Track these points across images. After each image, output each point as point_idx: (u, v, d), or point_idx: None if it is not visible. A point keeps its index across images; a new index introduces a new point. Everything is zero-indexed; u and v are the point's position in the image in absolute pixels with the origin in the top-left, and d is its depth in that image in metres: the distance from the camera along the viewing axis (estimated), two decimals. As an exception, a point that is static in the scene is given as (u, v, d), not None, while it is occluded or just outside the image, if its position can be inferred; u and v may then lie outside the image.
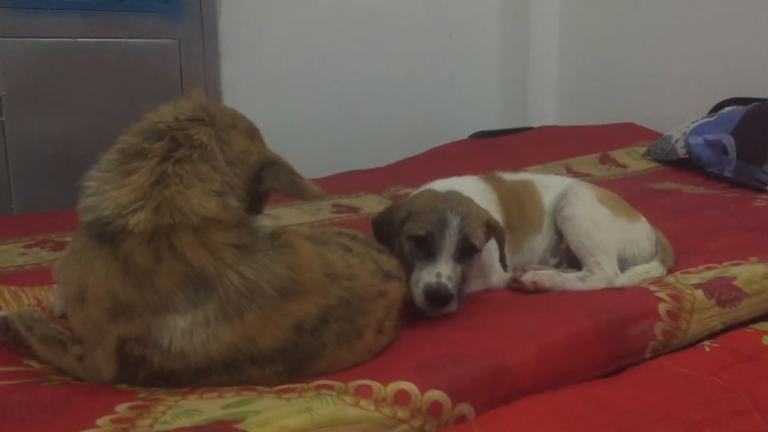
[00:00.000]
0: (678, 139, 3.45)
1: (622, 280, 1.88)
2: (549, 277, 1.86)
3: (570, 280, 1.87)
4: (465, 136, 4.12)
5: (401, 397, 1.24)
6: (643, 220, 2.06)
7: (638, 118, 4.08)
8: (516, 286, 1.88)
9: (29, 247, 2.27)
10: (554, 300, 1.74)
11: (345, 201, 2.91)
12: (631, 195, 2.39)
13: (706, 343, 1.61)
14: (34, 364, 1.41)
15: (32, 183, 3.15)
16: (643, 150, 3.68)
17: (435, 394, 1.26)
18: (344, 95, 4.08)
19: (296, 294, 1.30)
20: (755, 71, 3.60)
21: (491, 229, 1.76)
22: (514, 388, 1.35)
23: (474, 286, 1.86)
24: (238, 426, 1.11)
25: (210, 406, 1.19)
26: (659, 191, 3.01)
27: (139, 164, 1.28)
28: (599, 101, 4.43)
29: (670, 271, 1.93)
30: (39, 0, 3.11)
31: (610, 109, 4.28)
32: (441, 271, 1.63)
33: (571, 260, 1.98)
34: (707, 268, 1.90)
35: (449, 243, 1.65)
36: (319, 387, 1.25)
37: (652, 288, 1.75)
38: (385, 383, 1.26)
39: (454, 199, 1.73)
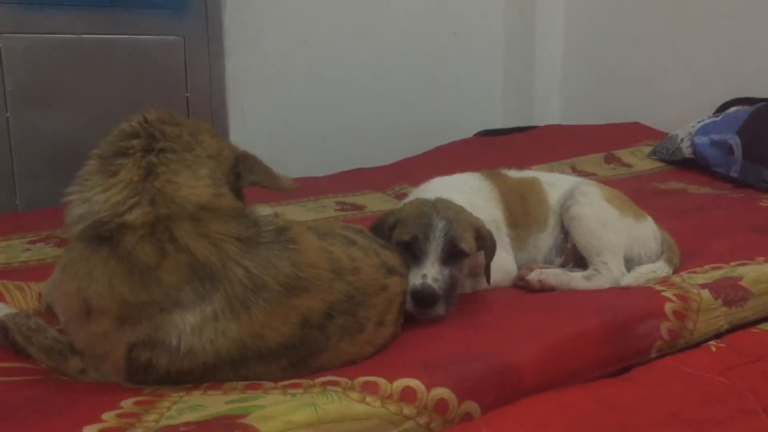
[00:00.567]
0: (683, 139, 3.44)
1: (629, 279, 1.87)
2: (555, 275, 1.86)
3: (576, 279, 1.87)
4: (470, 135, 4.11)
5: (407, 394, 1.23)
6: (650, 219, 2.05)
7: (643, 118, 4.07)
8: (522, 285, 1.88)
9: (33, 243, 2.27)
10: (560, 299, 1.74)
11: (350, 199, 2.91)
12: (637, 195, 2.39)
13: (713, 343, 1.60)
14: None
15: (37, 179, 3.15)
16: (648, 149, 3.67)
17: (441, 392, 1.26)
18: (349, 93, 4.08)
19: (301, 290, 1.30)
20: (761, 71, 3.59)
21: (481, 237, 1.74)
22: (519, 387, 1.35)
23: (477, 285, 1.85)
24: (244, 420, 1.11)
25: (214, 401, 1.19)
26: (664, 191, 3.00)
27: (122, 161, 1.28)
28: (604, 100, 4.42)
29: (676, 271, 1.93)
30: (44, -4, 3.12)
31: (615, 109, 4.26)
32: (426, 273, 1.62)
33: (577, 259, 1.98)
34: (714, 268, 1.90)
35: (435, 245, 1.64)
36: (324, 383, 1.25)
37: (659, 288, 1.75)
38: (391, 380, 1.26)
39: (441, 205, 1.73)
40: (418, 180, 2.21)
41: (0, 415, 1.18)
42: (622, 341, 1.53)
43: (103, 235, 1.23)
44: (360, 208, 2.78)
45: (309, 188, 2.99)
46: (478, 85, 4.57)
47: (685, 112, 3.75)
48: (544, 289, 1.84)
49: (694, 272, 1.89)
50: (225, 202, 1.31)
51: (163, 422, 1.13)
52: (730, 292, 1.73)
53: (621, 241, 1.92)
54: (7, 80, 3.06)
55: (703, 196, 2.91)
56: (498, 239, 1.83)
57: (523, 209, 2.03)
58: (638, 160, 3.60)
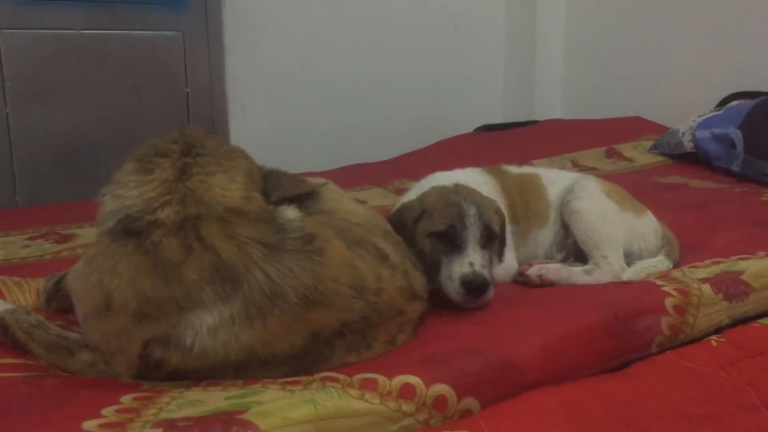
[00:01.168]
0: (685, 133, 3.43)
1: (629, 273, 1.87)
2: (555, 270, 1.85)
3: (576, 273, 1.86)
4: (470, 130, 4.11)
5: (406, 391, 1.23)
6: (650, 214, 2.05)
7: (645, 112, 4.06)
8: (522, 280, 1.88)
9: (33, 239, 2.27)
10: (560, 294, 1.74)
11: (350, 194, 2.90)
12: (638, 189, 2.38)
13: (713, 337, 1.60)
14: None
15: (36, 175, 3.15)
16: (649, 144, 3.67)
17: (440, 388, 1.25)
18: (349, 88, 4.07)
19: (318, 305, 1.28)
20: (763, 65, 3.58)
21: (500, 216, 1.76)
22: (519, 383, 1.35)
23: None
24: (243, 416, 1.11)
25: (214, 397, 1.19)
26: (666, 185, 3.00)
27: (159, 161, 1.31)
28: (605, 95, 4.41)
29: (676, 266, 1.93)
30: (43, -8, 3.11)
31: (616, 103, 4.26)
32: (473, 261, 1.62)
33: (577, 254, 1.98)
34: (714, 263, 1.90)
35: (473, 232, 1.65)
36: (324, 379, 1.25)
37: (659, 282, 1.74)
38: (390, 377, 1.25)
39: (464, 190, 1.73)
40: (418, 175, 2.21)
41: (0, 410, 1.18)
42: (622, 336, 1.52)
43: (133, 230, 1.24)
44: (361, 203, 2.77)
45: (309, 184, 2.98)
46: (479, 80, 4.56)
47: (686, 106, 3.74)
48: (544, 284, 1.83)
49: (695, 267, 1.88)
50: (254, 206, 1.33)
51: (162, 416, 1.13)
52: (731, 287, 1.73)
53: (621, 236, 1.92)
54: (6, 76, 3.06)
55: (705, 190, 2.91)
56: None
57: (523, 205, 2.03)
58: (639, 154, 3.60)
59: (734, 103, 3.46)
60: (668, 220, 2.13)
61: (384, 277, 1.42)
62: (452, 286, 1.62)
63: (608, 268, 1.87)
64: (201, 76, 3.53)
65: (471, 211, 1.66)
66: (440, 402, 1.24)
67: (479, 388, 1.29)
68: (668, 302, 1.63)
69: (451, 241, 1.65)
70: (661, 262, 1.91)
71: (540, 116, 4.40)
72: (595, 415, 1.29)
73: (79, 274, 1.33)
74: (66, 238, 2.26)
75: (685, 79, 3.96)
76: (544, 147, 3.64)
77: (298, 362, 1.28)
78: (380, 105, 4.17)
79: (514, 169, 2.15)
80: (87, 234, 2.24)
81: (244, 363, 1.25)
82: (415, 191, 1.99)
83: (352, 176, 3.20)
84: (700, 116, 3.45)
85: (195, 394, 1.21)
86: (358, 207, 1.77)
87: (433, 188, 1.81)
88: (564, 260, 1.99)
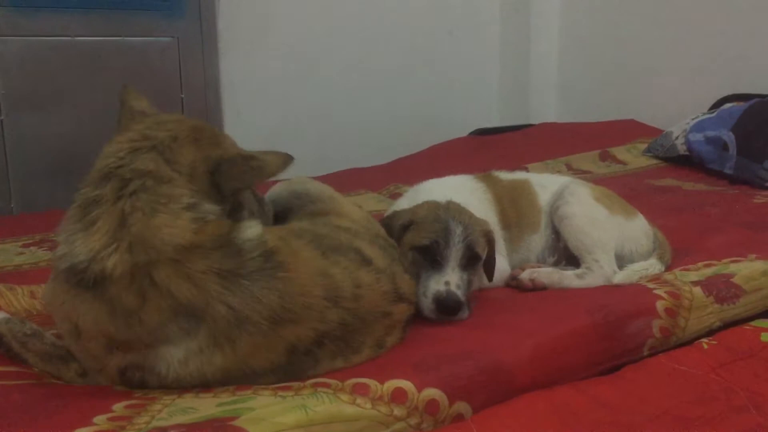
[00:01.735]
0: (678, 136, 3.44)
1: (620, 277, 1.88)
2: (547, 274, 1.86)
3: (568, 277, 1.87)
4: (465, 134, 4.12)
5: (398, 395, 1.24)
6: (640, 217, 2.05)
7: (639, 115, 4.08)
8: (514, 284, 1.88)
9: (27, 246, 2.27)
10: (552, 298, 1.74)
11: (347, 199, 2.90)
12: (631, 192, 2.39)
13: (705, 340, 1.60)
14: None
15: (31, 182, 3.15)
16: (643, 147, 3.68)
17: (432, 393, 1.26)
18: (344, 92, 4.08)
19: (288, 321, 1.26)
20: (756, 67, 3.59)
21: (489, 240, 1.76)
22: (511, 387, 1.35)
23: (480, 282, 1.85)
24: (234, 423, 1.11)
25: (205, 404, 1.19)
26: (659, 188, 3.01)
27: (98, 212, 1.24)
28: (599, 98, 4.43)
29: (668, 268, 1.93)
30: (37, -1, 3.12)
31: (610, 106, 4.27)
32: (449, 279, 1.62)
33: (569, 258, 1.98)
34: (706, 265, 1.90)
35: (455, 252, 1.64)
36: (315, 385, 1.25)
37: (651, 285, 1.75)
38: (381, 381, 1.26)
39: (455, 209, 1.73)
40: (413, 180, 2.21)
41: (-9, 419, 1.19)
42: (613, 339, 1.53)
43: (86, 281, 1.21)
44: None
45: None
46: (474, 84, 4.58)
47: (680, 109, 3.76)
48: (536, 288, 1.84)
49: (687, 269, 1.89)
50: (207, 234, 1.25)
51: (154, 423, 1.13)
52: (722, 289, 1.73)
53: (611, 239, 1.92)
54: (1, 83, 3.06)
55: (698, 192, 2.92)
56: (492, 240, 1.83)
57: (515, 211, 2.03)
58: (633, 157, 3.61)
59: (727, 105, 3.47)
60: (661, 223, 2.14)
61: (364, 282, 1.39)
62: (425, 302, 1.61)
63: (600, 271, 1.88)
64: (196, 82, 3.54)
65: (457, 231, 1.66)
66: (432, 406, 1.25)
67: (471, 393, 1.30)
68: (659, 305, 1.63)
69: (432, 257, 1.65)
70: (652, 265, 1.91)
71: (535, 120, 4.42)
72: (586, 418, 1.29)
73: (49, 297, 1.32)
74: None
75: (679, 81, 3.97)
76: (539, 150, 3.65)
77: (282, 373, 1.28)
78: (375, 109, 4.18)
79: (505, 175, 2.15)
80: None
81: (224, 380, 1.26)
82: (407, 198, 2.00)
83: (347, 181, 3.21)
84: (693, 119, 3.46)
85: (187, 401, 1.21)
86: (353, 209, 1.77)
87: (427, 202, 1.80)
88: (556, 264, 1.99)
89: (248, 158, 1.34)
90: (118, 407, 1.20)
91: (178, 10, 3.45)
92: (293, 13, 3.88)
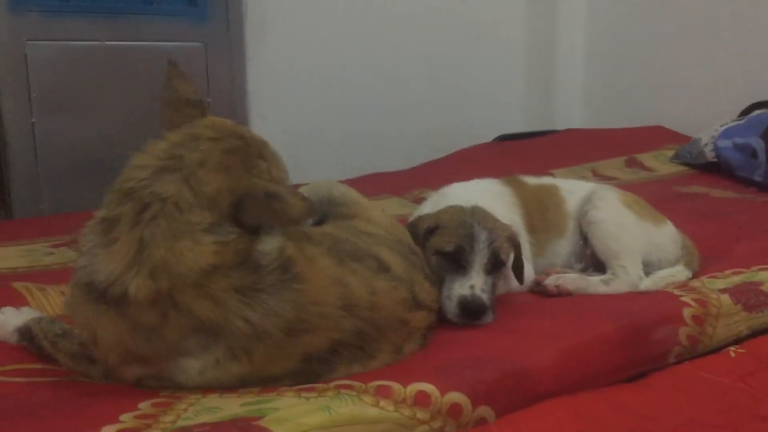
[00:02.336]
0: (707, 143, 3.41)
1: (647, 283, 1.86)
2: (572, 280, 1.85)
3: (594, 283, 1.86)
4: (490, 139, 4.10)
5: (421, 399, 1.24)
6: (669, 223, 2.04)
7: (666, 121, 4.04)
8: (539, 290, 1.87)
9: (56, 246, 2.30)
10: (576, 303, 1.73)
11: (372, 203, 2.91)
12: (658, 199, 2.37)
13: (732, 348, 1.59)
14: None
15: (61, 183, 3.19)
16: (670, 153, 3.64)
17: (455, 396, 1.26)
18: (370, 98, 4.09)
19: (303, 331, 1.27)
20: (786, 74, 3.55)
21: (514, 245, 1.76)
22: (534, 392, 1.35)
23: (508, 286, 1.85)
24: (258, 423, 1.12)
25: (230, 403, 1.20)
26: (687, 195, 2.98)
27: (117, 232, 1.23)
28: (626, 103, 4.39)
29: (695, 276, 1.91)
30: (68, 4, 3.17)
31: (637, 112, 4.23)
32: (474, 283, 1.62)
33: (596, 266, 1.97)
34: (734, 273, 1.88)
35: (480, 256, 1.65)
36: (338, 387, 1.26)
37: (677, 292, 1.73)
38: (405, 384, 1.26)
39: (480, 214, 1.74)
40: (437, 184, 2.21)
41: (22, 414, 1.21)
42: (638, 346, 1.52)
43: (107, 300, 1.22)
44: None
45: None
46: (499, 90, 4.56)
47: (708, 116, 3.71)
48: (561, 294, 1.83)
49: (715, 277, 1.87)
50: (228, 253, 1.23)
51: (180, 423, 1.14)
52: (750, 297, 1.71)
53: (639, 245, 1.91)
54: (32, 86, 3.11)
55: (726, 200, 2.88)
56: (517, 244, 1.83)
57: (541, 215, 2.02)
58: (660, 164, 3.57)
59: (756, 112, 3.44)
60: (689, 230, 2.11)
61: (380, 290, 1.39)
62: (450, 306, 1.62)
63: (626, 278, 1.87)
64: (222, 86, 3.57)
65: (482, 236, 1.66)
66: (455, 410, 1.25)
67: (494, 397, 1.29)
68: (686, 312, 1.62)
69: (456, 262, 1.66)
70: (680, 272, 1.90)
71: (560, 125, 4.39)
72: (610, 425, 1.28)
73: (69, 303, 1.34)
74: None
75: (707, 88, 3.93)
76: (564, 156, 3.63)
77: (297, 378, 1.29)
78: (400, 114, 4.18)
79: (531, 180, 2.15)
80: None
81: (241, 387, 1.27)
82: (431, 202, 2.00)
83: (371, 185, 3.21)
84: (722, 126, 3.42)
85: (212, 400, 1.23)
86: (377, 213, 1.76)
87: (451, 207, 1.80)
88: (583, 271, 1.98)
89: (272, 197, 1.27)
90: (145, 405, 1.21)
91: (206, 15, 3.49)
92: (318, 18, 3.90)
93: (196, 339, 1.23)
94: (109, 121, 3.27)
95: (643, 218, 1.97)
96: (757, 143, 3.12)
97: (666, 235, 1.99)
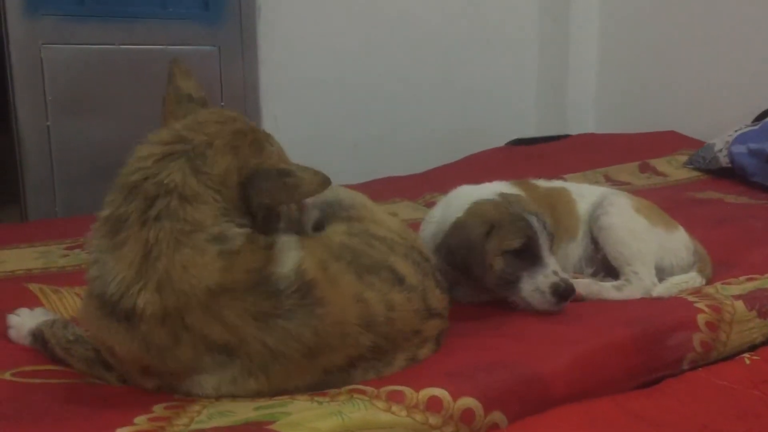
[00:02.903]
0: (721, 148, 3.39)
1: (660, 289, 1.85)
2: (585, 285, 1.84)
3: (607, 289, 1.85)
4: (502, 143, 4.10)
5: (433, 404, 1.24)
6: (681, 229, 2.02)
7: (680, 126, 4.01)
8: (551, 294, 1.86)
9: (71, 248, 2.32)
10: (590, 309, 1.72)
11: (382, 208, 2.91)
12: (672, 204, 2.36)
13: (747, 355, 1.58)
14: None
15: (76, 186, 3.22)
16: (684, 159, 3.62)
17: (467, 402, 1.25)
18: (381, 101, 4.09)
19: (322, 351, 1.26)
20: (801, 79, 3.53)
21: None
22: (547, 397, 1.34)
23: None
24: (271, 427, 1.12)
25: (243, 407, 1.21)
26: (701, 200, 2.96)
27: (125, 234, 1.20)
28: (639, 108, 4.37)
29: (709, 282, 1.90)
30: (83, 8, 3.19)
31: (650, 117, 4.21)
32: (555, 269, 1.67)
33: (608, 270, 1.96)
34: (749, 279, 1.87)
35: (544, 242, 1.68)
36: (351, 391, 1.26)
37: (691, 298, 1.72)
38: (417, 389, 1.26)
39: (516, 200, 1.75)
40: (449, 189, 2.20)
41: (37, 415, 1.22)
42: (652, 352, 1.51)
43: (119, 316, 1.20)
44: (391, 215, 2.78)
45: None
46: (512, 94, 4.55)
47: (722, 121, 3.68)
48: (574, 299, 1.82)
49: (729, 283, 1.86)
50: (238, 271, 1.20)
51: (194, 426, 1.15)
52: (765, 304, 1.70)
53: (651, 251, 1.90)
54: (48, 90, 3.14)
55: (740, 205, 2.86)
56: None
57: (552, 218, 2.01)
58: (674, 169, 3.55)
59: (771, 117, 3.41)
60: (703, 236, 2.10)
61: (396, 304, 1.37)
62: (542, 297, 1.66)
63: (639, 284, 1.86)
64: (236, 90, 3.59)
65: (537, 223, 1.69)
66: (467, 415, 1.24)
67: (506, 402, 1.29)
68: (700, 318, 1.61)
69: (528, 256, 1.67)
70: (693, 278, 1.89)
71: (573, 130, 4.37)
72: (623, 431, 1.28)
73: (84, 316, 1.33)
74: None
75: (721, 93, 3.90)
76: (577, 161, 3.62)
77: (313, 389, 1.28)
78: (412, 118, 4.18)
79: (542, 183, 2.14)
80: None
81: (258, 397, 1.27)
82: (442, 205, 1.99)
83: (383, 189, 3.22)
84: (736, 131, 3.40)
85: (225, 404, 1.23)
86: (387, 217, 1.74)
87: (477, 203, 1.77)
88: (594, 275, 1.97)
89: (284, 173, 1.25)
90: (158, 408, 1.22)
91: (220, 19, 3.51)
92: (331, 22, 3.91)
93: (211, 357, 1.23)
94: (123, 125, 3.29)
95: (655, 223, 1.96)
96: (772, 149, 3.10)
97: (678, 241, 1.98)
